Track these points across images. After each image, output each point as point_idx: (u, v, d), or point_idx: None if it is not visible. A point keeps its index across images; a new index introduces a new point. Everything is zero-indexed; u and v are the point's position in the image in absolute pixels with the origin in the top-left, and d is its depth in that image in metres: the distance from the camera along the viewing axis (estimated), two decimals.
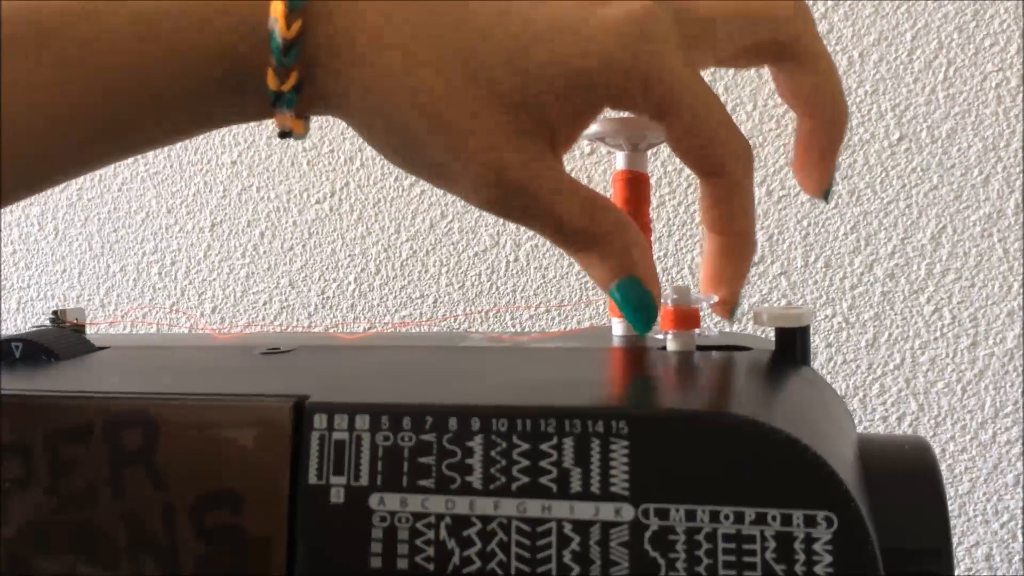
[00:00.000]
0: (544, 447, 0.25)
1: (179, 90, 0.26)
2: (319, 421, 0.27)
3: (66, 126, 0.27)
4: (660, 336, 0.35)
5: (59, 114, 0.26)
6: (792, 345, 0.34)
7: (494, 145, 0.26)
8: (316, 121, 0.88)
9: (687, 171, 0.80)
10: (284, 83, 0.26)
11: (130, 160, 0.95)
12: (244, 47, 0.26)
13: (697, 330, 0.35)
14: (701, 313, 0.35)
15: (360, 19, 0.26)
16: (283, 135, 0.28)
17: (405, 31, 0.26)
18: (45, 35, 0.26)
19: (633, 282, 0.28)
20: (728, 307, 0.31)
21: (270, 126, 0.90)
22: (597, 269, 0.29)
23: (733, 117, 0.76)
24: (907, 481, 0.28)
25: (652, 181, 0.80)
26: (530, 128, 0.27)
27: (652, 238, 0.80)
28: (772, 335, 0.35)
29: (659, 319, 0.32)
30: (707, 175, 0.29)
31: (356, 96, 0.27)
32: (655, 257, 0.80)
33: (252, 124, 0.91)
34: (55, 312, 0.45)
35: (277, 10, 0.25)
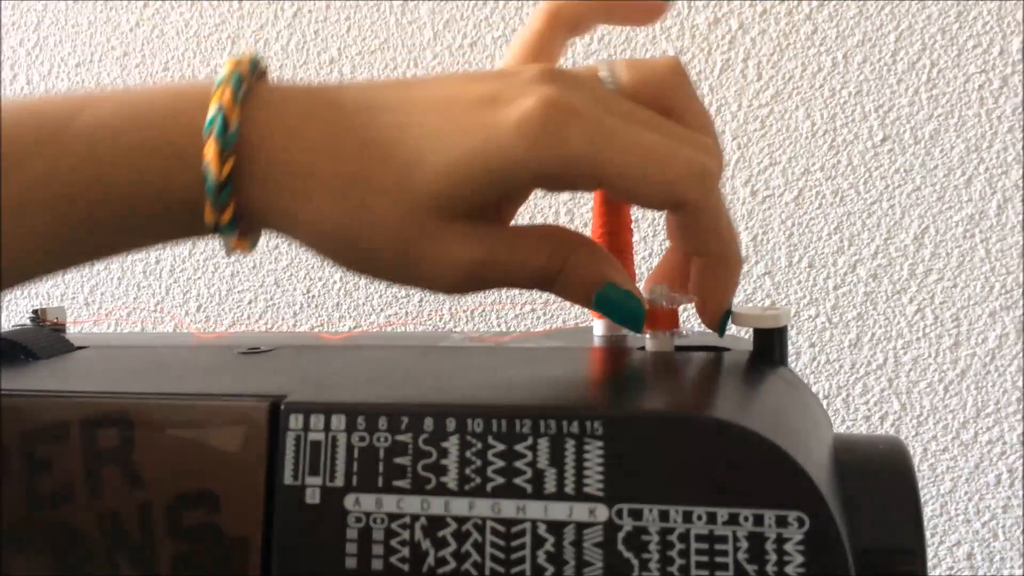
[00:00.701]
0: (519, 447, 0.25)
1: (124, 224, 0.28)
2: (295, 421, 0.27)
3: (14, 250, 0.28)
4: (639, 336, 0.36)
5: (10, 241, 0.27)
6: (770, 346, 0.34)
7: (444, 250, 0.27)
8: None
9: None
10: (221, 217, 0.27)
11: None
12: (183, 189, 0.27)
13: (675, 330, 0.35)
14: (681, 310, 0.35)
15: (290, 157, 0.27)
16: (230, 253, 0.29)
17: (332, 164, 0.27)
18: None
19: (610, 288, 0.29)
20: (713, 320, 0.31)
21: None
22: (573, 294, 0.29)
23: (717, 119, 0.77)
24: (881, 481, 0.28)
25: None
26: (474, 218, 0.28)
27: (635, 239, 0.80)
28: (751, 335, 0.35)
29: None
30: (666, 209, 0.29)
31: (296, 228, 0.28)
32: (639, 258, 0.80)
33: None
34: (35, 311, 0.44)
35: (209, 153, 0.26)
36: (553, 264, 0.28)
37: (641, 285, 0.33)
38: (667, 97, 0.29)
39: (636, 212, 0.80)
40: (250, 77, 0.28)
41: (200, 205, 0.27)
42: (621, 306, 0.29)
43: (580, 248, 0.29)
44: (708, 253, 0.30)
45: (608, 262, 0.29)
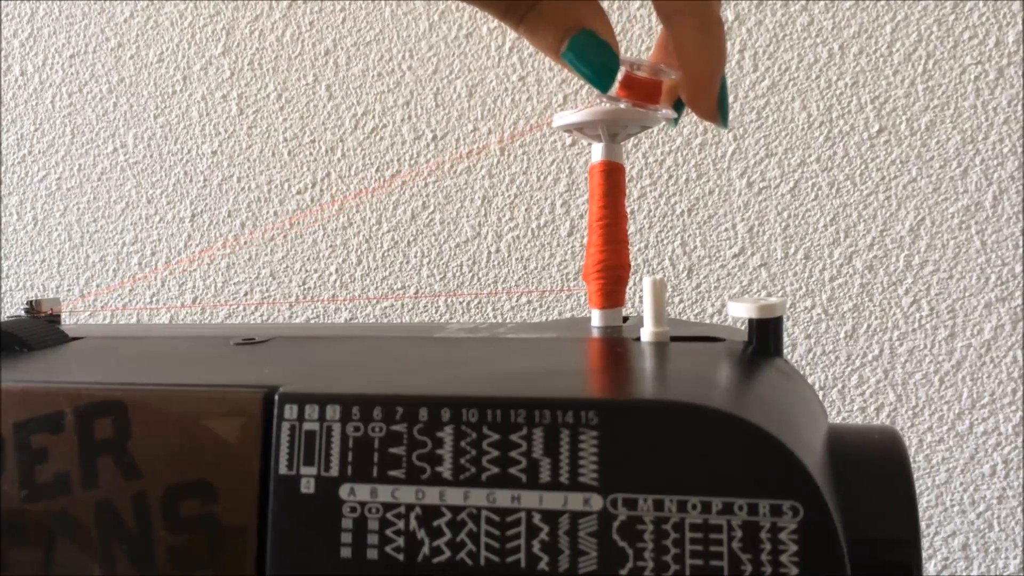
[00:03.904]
0: (514, 437, 0.25)
1: None
2: (290, 411, 0.27)
3: None
4: (635, 327, 0.35)
5: None
6: (765, 336, 0.34)
7: None
8: (296, 111, 0.88)
9: (668, 163, 0.80)
10: None
11: (109, 150, 0.94)
12: None
13: (654, 107, 0.31)
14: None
15: None
16: None
17: None
18: None
19: (585, 35, 0.26)
20: (702, 95, 0.27)
21: (251, 116, 0.90)
22: (542, 37, 0.26)
23: None
24: (876, 470, 0.28)
25: (633, 173, 0.80)
26: None
27: (631, 229, 0.80)
28: (746, 326, 0.35)
29: (617, 82, 0.29)
30: None
31: None
32: (635, 249, 0.80)
33: (232, 113, 0.90)
34: (29, 302, 0.44)
35: None
36: None
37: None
38: None
39: (631, 204, 0.80)
40: None
41: None
42: (594, 56, 0.26)
43: None
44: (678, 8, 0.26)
45: (589, 9, 0.26)
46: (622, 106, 0.31)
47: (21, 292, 0.97)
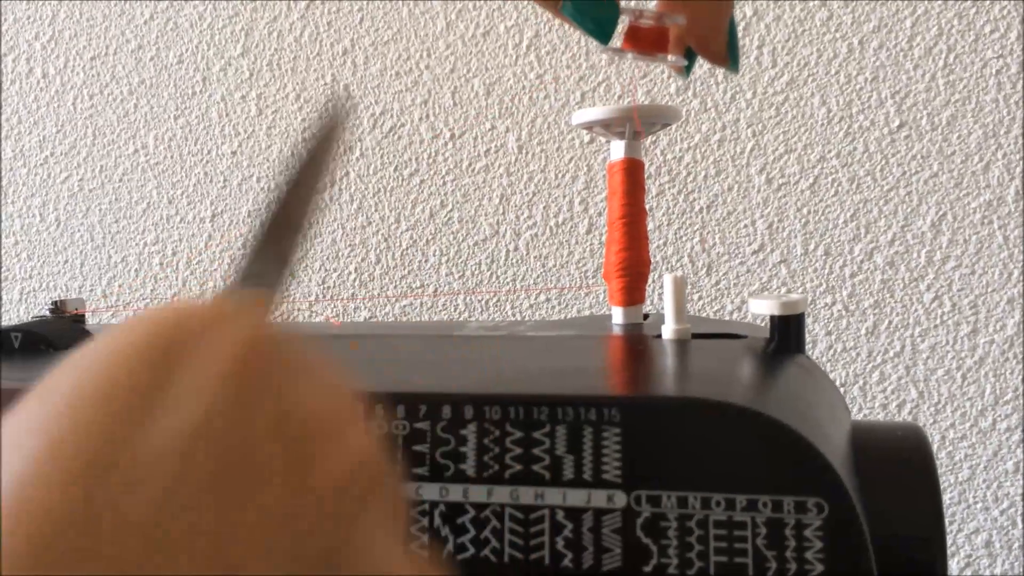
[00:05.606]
0: (537, 435, 0.25)
1: None
2: None
3: None
4: (656, 325, 0.35)
5: None
6: (787, 333, 0.34)
7: None
8: (315, 111, 0.88)
9: (686, 160, 0.80)
10: None
11: (130, 151, 0.95)
12: None
13: (661, 55, 0.30)
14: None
15: None
16: None
17: None
18: None
19: None
20: (710, 42, 0.26)
21: (269, 116, 0.90)
22: None
23: (732, 105, 0.77)
24: (900, 467, 0.28)
25: (652, 170, 0.80)
26: None
27: (650, 226, 0.80)
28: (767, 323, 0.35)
29: (621, 34, 0.28)
30: None
31: None
32: (655, 246, 0.80)
33: (251, 114, 0.91)
34: (54, 303, 0.45)
35: None
36: None
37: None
38: None
39: (650, 201, 0.80)
40: None
41: None
42: (593, 8, 0.25)
43: None
44: None
45: None
46: (629, 57, 0.30)
47: (44, 292, 0.98)
